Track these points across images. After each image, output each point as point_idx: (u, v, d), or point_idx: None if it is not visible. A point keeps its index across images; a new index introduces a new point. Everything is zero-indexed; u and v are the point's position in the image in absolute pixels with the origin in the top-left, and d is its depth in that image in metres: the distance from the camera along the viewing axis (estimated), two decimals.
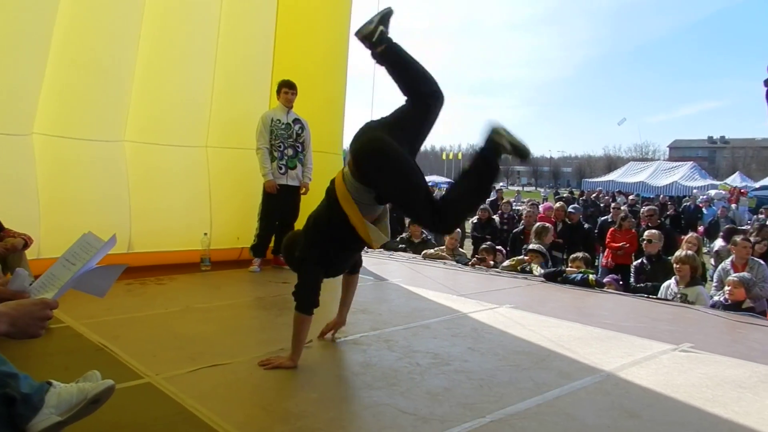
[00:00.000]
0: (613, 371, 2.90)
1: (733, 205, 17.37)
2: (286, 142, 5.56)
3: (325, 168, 6.14)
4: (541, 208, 10.34)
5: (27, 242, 3.74)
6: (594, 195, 20.92)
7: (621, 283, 7.06)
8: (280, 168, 5.53)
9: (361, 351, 3.19)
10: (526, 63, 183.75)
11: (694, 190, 22.21)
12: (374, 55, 2.91)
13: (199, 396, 2.51)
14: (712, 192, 21.42)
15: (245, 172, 5.80)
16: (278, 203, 5.54)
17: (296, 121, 5.65)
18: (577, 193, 25.88)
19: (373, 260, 6.52)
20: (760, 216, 14.25)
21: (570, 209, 8.71)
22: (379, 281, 5.37)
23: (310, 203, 5.83)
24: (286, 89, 5.52)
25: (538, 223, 7.05)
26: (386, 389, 2.64)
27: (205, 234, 5.64)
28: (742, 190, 21.11)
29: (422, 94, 2.85)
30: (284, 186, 5.55)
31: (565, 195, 24.54)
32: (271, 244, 5.78)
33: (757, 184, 26.10)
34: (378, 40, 2.84)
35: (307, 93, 5.79)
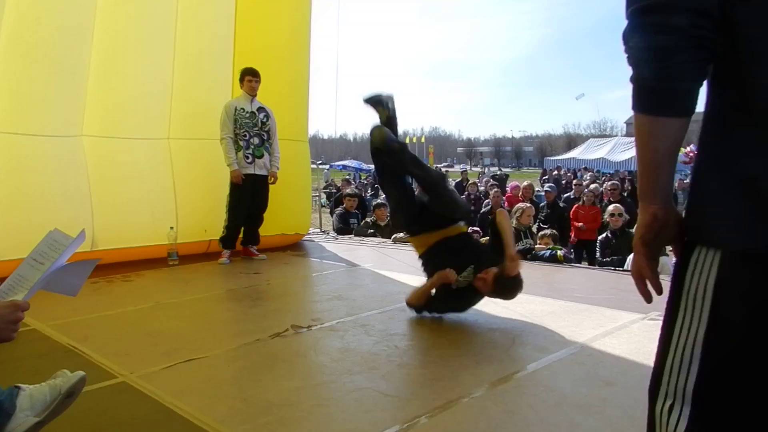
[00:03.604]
0: (586, 342, 2.96)
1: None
2: (251, 131, 5.47)
3: (292, 156, 6.10)
4: (508, 187, 10.46)
5: None
6: (555, 172, 21.30)
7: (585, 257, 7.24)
8: (247, 157, 5.45)
9: (339, 337, 3.18)
10: (489, 45, 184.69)
11: None
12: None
13: (177, 392, 2.47)
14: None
15: (210, 163, 5.69)
16: (246, 193, 5.46)
17: (261, 109, 5.56)
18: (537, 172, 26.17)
19: (343, 247, 6.51)
20: None
21: (546, 188, 8.82)
22: (351, 267, 5.36)
23: (278, 193, 5.80)
24: (250, 77, 5.42)
25: (519, 204, 7.06)
26: (366, 373, 2.64)
27: (172, 228, 5.53)
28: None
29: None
30: (251, 176, 5.47)
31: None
32: (240, 236, 5.71)
33: None
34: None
35: (270, 80, 5.71)
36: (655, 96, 0.99)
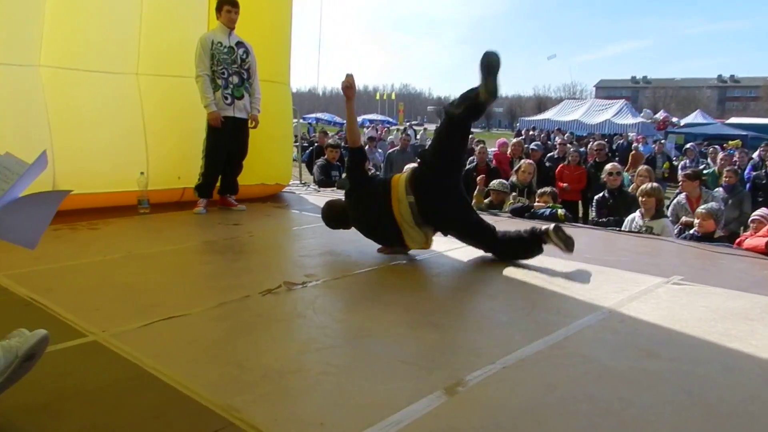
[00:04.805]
0: (613, 307, 2.70)
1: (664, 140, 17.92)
2: (230, 68, 4.98)
3: (272, 99, 5.64)
4: (496, 144, 10.14)
5: None
6: (530, 132, 21.11)
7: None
8: (226, 98, 4.97)
9: (339, 295, 2.86)
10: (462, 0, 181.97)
11: (628, 130, 22.73)
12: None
13: (157, 354, 2.11)
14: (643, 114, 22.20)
15: (185, 104, 5.20)
16: (224, 138, 5.01)
17: (240, 44, 5.06)
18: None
19: (325, 199, 6.12)
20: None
21: (532, 146, 8.53)
22: None
23: (258, 139, 5.36)
24: (229, 7, 4.89)
25: (523, 161, 6.71)
26: (376, 337, 2.32)
27: (142, 173, 5.07)
28: (672, 120, 21.87)
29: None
30: (230, 118, 5.01)
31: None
32: (218, 184, 5.28)
33: (683, 122, 27.08)
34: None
35: (249, 17, 5.20)
36: None
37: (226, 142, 5.05)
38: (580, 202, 8.82)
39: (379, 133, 23.12)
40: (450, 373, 2.00)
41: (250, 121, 5.16)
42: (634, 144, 15.59)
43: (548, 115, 28.45)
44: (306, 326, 2.47)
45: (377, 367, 2.06)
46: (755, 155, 11.97)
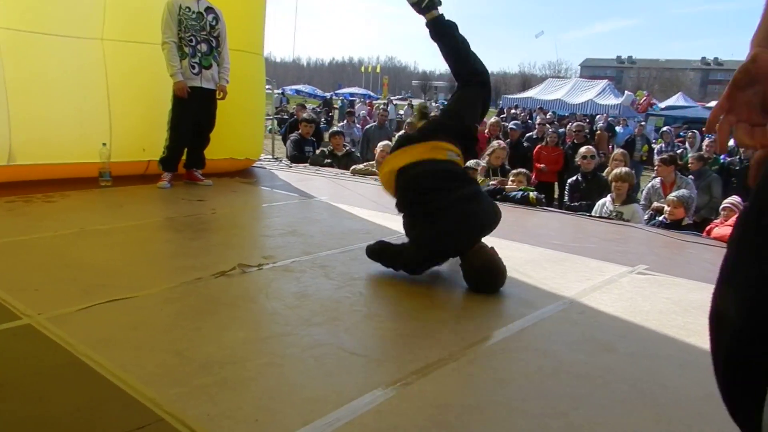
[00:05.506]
0: (575, 297, 2.64)
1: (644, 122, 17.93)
2: (198, 35, 4.77)
3: (243, 70, 5.44)
4: None
5: None
6: (513, 111, 20.99)
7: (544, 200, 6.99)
8: (193, 67, 4.78)
9: (294, 279, 2.75)
10: None
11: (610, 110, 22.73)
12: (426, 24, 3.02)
13: (95, 341, 2.01)
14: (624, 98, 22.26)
15: (153, 72, 4.96)
16: (191, 109, 4.82)
17: (209, 9, 4.84)
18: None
19: (297, 176, 6.01)
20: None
21: (511, 125, 8.43)
22: (305, 199, 4.88)
23: (228, 112, 5.18)
24: None
25: (493, 143, 6.61)
26: (328, 325, 2.24)
27: (104, 144, 4.87)
28: (652, 102, 21.93)
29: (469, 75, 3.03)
30: (198, 89, 4.81)
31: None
32: (184, 157, 5.11)
33: (663, 104, 27.14)
34: (426, 5, 2.95)
35: None
36: None
37: (193, 114, 4.86)
38: (556, 183, 8.79)
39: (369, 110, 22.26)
40: (400, 366, 1.93)
41: (218, 92, 4.98)
42: (602, 124, 15.57)
43: (531, 93, 28.32)
44: (256, 312, 2.38)
45: (325, 358, 1.97)
46: (731, 141, 12.01)
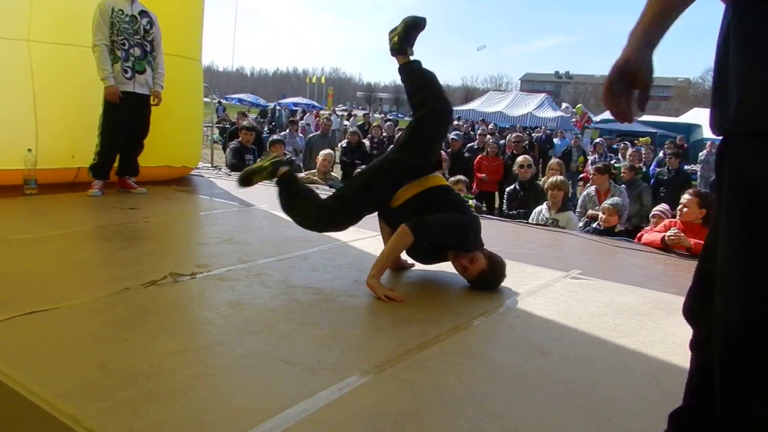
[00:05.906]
0: (511, 302, 2.68)
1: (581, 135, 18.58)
2: (131, 39, 4.62)
3: (180, 76, 5.32)
4: None
5: None
6: (456, 122, 21.33)
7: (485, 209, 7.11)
8: (125, 71, 4.62)
9: (229, 288, 2.68)
10: None
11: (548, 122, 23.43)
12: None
13: (12, 356, 1.88)
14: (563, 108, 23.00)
15: (83, 76, 4.78)
16: (124, 115, 4.66)
17: (143, 13, 4.71)
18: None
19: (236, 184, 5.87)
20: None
21: (452, 136, 8.54)
22: (244, 207, 4.79)
23: (164, 118, 5.03)
24: None
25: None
26: (262, 334, 2.18)
27: (30, 150, 4.64)
28: (588, 120, 22.74)
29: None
30: (131, 94, 4.66)
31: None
32: (116, 164, 4.92)
33: (598, 118, 28.19)
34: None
35: None
36: None
37: (126, 120, 4.70)
38: (497, 193, 8.98)
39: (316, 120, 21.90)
40: (336, 373, 1.89)
41: (152, 98, 4.83)
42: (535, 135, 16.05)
43: (473, 105, 28.93)
44: (187, 322, 2.29)
45: (259, 367, 1.92)
46: (660, 153, 12.58)
